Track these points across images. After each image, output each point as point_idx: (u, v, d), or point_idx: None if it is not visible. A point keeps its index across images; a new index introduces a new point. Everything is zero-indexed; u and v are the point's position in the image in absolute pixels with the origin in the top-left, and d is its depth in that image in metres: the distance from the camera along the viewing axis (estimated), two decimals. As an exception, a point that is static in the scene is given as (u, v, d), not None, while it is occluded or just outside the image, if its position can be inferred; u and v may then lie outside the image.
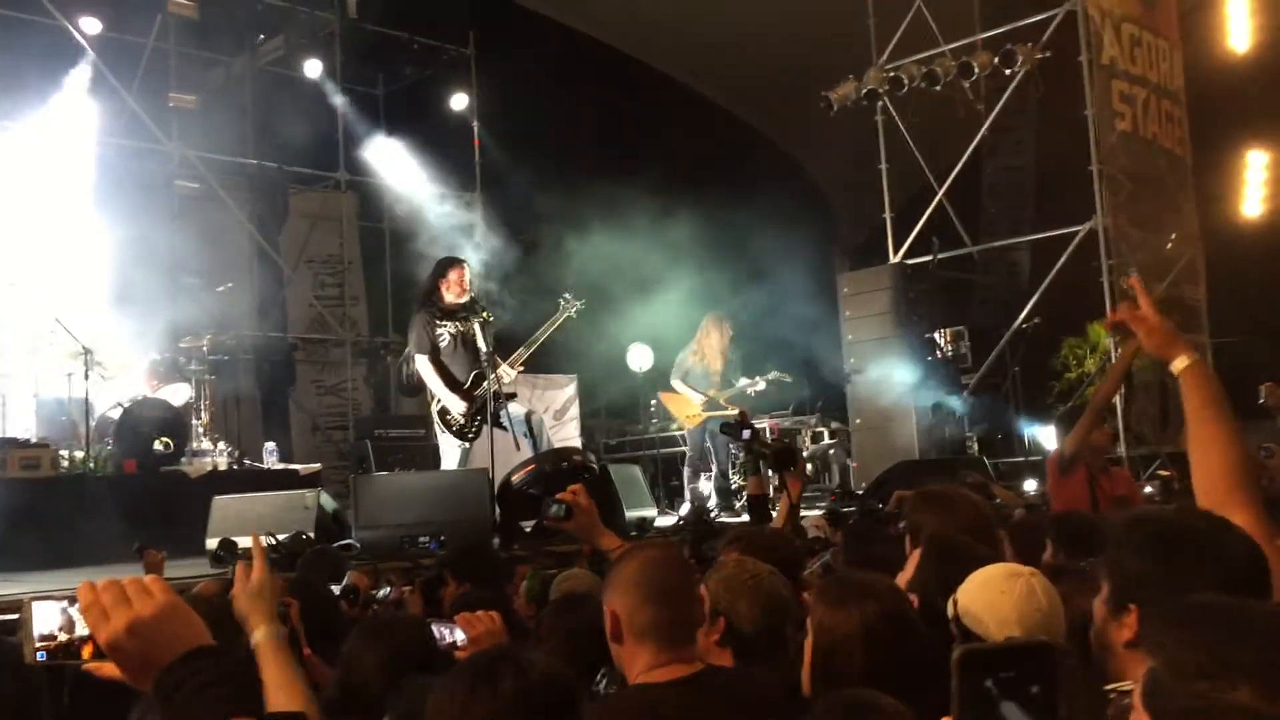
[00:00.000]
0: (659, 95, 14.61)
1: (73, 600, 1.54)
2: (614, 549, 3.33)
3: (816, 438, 11.14)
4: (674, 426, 11.26)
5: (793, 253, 12.59)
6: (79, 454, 8.40)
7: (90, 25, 10.74)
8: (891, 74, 11.55)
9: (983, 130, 11.59)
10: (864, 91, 11.60)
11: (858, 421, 11.37)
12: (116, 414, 8.69)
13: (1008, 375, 11.71)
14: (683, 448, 10.86)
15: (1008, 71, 11.21)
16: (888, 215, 12.19)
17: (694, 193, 12.69)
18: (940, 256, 11.48)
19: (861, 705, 1.95)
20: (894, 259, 11.93)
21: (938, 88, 11.38)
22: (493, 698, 1.82)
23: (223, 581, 3.58)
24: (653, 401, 11.46)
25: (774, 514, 5.23)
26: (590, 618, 2.62)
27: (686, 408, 9.50)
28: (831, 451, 11.01)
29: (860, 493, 9.42)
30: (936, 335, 11.56)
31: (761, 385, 9.59)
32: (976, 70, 11.19)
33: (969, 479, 6.66)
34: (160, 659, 1.40)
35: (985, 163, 13.57)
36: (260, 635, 1.95)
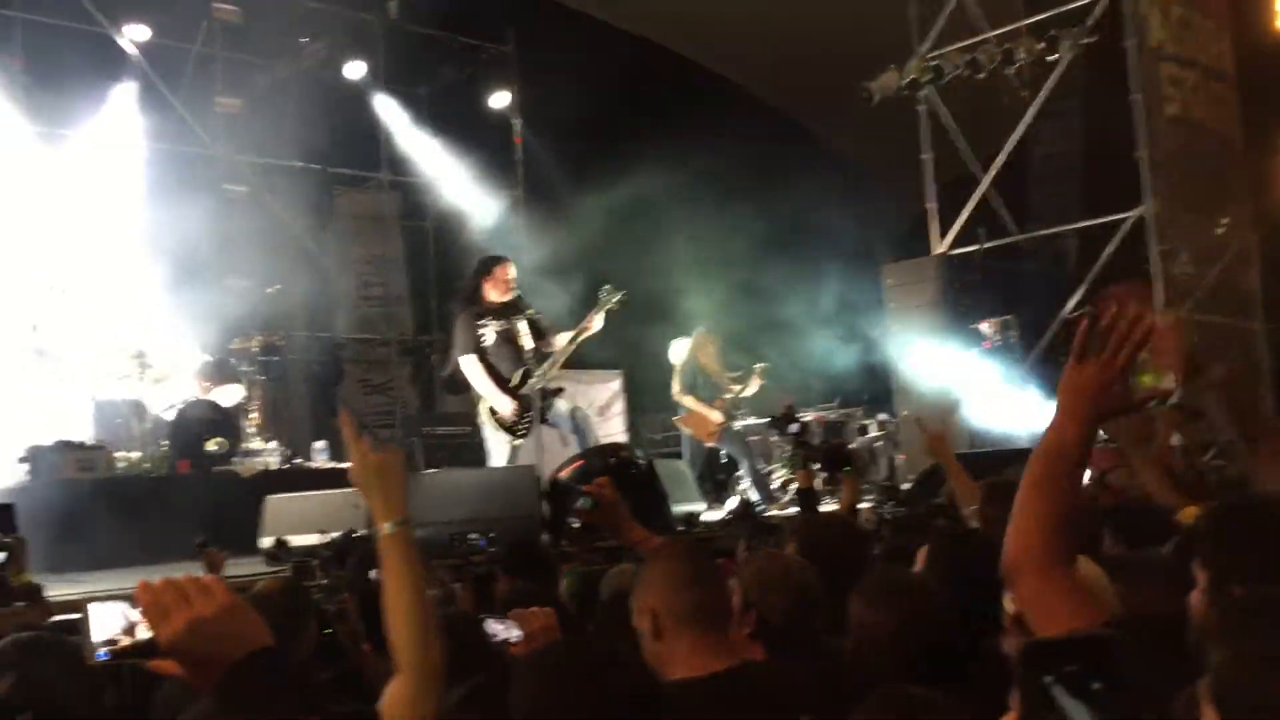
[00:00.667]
0: (698, 88, 14.57)
1: (133, 601, 1.54)
2: (641, 542, 3.34)
3: (863, 430, 11.08)
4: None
5: (836, 244, 12.52)
6: (134, 455, 8.54)
7: (138, 33, 10.90)
8: (934, 63, 11.43)
9: (1028, 117, 11.44)
10: (906, 81, 11.50)
11: (904, 414, 11.28)
12: (170, 415, 8.82)
13: (1056, 365, 11.57)
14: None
15: (1052, 57, 11.05)
16: (931, 205, 12.07)
17: (736, 186, 12.65)
18: (985, 246, 11.37)
19: (904, 700, 1.95)
20: (938, 249, 11.82)
21: (981, 75, 11.25)
22: (584, 690, 1.84)
23: (283, 580, 3.63)
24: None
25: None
26: None
27: (706, 424, 9.42)
28: (879, 445, 10.93)
29: (908, 486, 9.34)
30: (983, 325, 11.43)
31: (757, 385, 9.59)
32: (1021, 57, 11.05)
33: (1018, 473, 6.58)
34: (221, 659, 1.40)
35: (1031, 150, 13.39)
36: (386, 529, 1.96)
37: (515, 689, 1.94)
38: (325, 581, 4.20)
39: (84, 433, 8.60)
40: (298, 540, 6.27)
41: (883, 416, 11.53)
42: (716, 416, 9.30)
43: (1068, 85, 11.93)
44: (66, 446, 7.99)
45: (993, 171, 11.65)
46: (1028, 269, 13.17)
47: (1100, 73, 11.37)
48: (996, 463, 7.56)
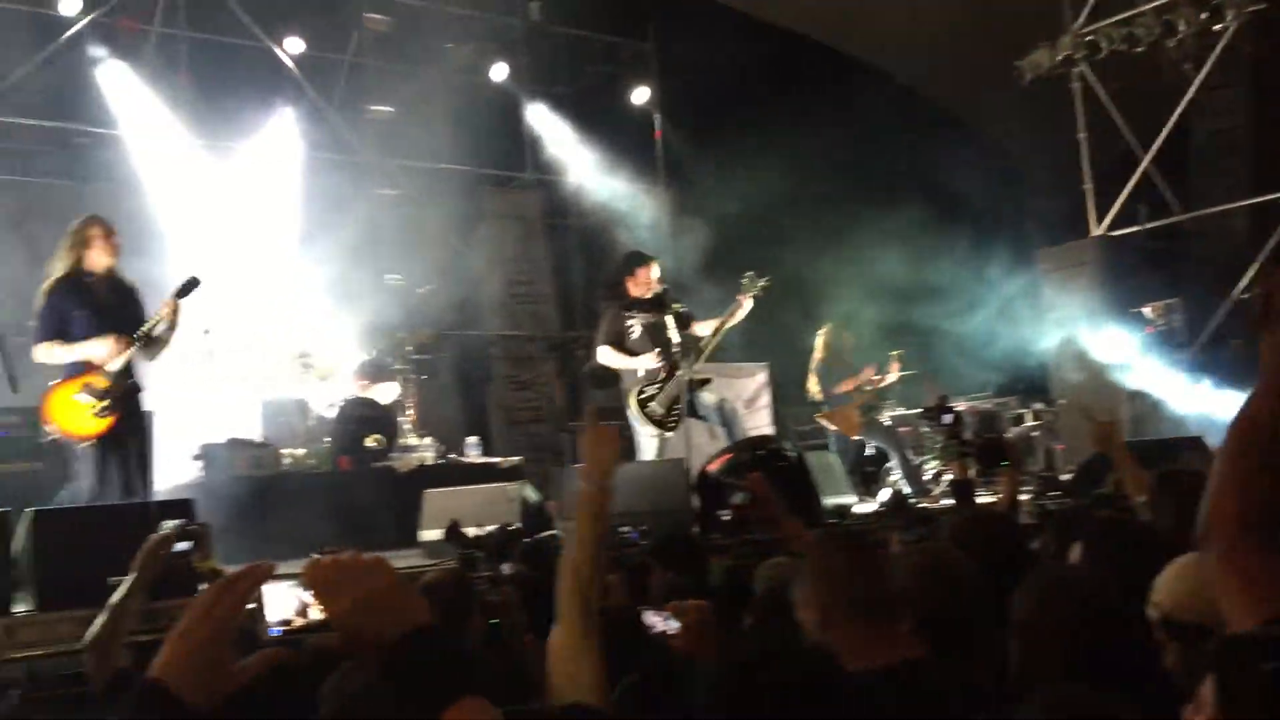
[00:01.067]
0: (839, 75, 14.36)
1: (303, 582, 1.59)
2: (796, 535, 3.30)
3: (1018, 420, 10.75)
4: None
5: (986, 229, 12.19)
6: (299, 452, 8.89)
7: (294, 45, 11.34)
8: (1088, 38, 11.00)
9: (1190, 91, 10.91)
10: (1059, 58, 11.09)
11: (1062, 402, 10.89)
12: (332, 413, 9.16)
13: (1226, 349, 11.00)
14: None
15: (1216, 28, 10.51)
16: (1088, 186, 11.62)
17: (881, 174, 12.45)
18: (1147, 226, 10.89)
19: (1071, 700, 1.88)
20: (1096, 231, 11.37)
21: (1139, 49, 10.78)
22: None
23: (449, 571, 3.72)
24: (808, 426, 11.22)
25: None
26: None
27: (849, 419, 9.25)
28: (1035, 435, 10.59)
29: (1069, 476, 9.02)
30: (1146, 309, 10.96)
31: (896, 374, 9.38)
32: (1182, 28, 10.54)
33: (1190, 461, 6.28)
34: (385, 635, 1.43)
35: (1193, 125, 12.77)
36: (586, 486, 2.32)
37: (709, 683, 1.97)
38: (489, 573, 4.29)
39: (253, 431, 9.01)
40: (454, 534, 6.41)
41: (1039, 405, 11.16)
42: (857, 414, 9.14)
43: (1233, 56, 11.33)
44: (238, 444, 8.39)
45: (1154, 149, 11.14)
46: (1193, 250, 12.58)
47: (1269, 42, 10.75)
48: (1165, 451, 7.24)
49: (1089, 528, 3.05)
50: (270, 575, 1.62)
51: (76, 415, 5.78)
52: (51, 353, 5.79)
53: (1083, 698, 1.88)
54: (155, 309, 6.02)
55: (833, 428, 9.33)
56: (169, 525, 3.44)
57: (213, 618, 1.51)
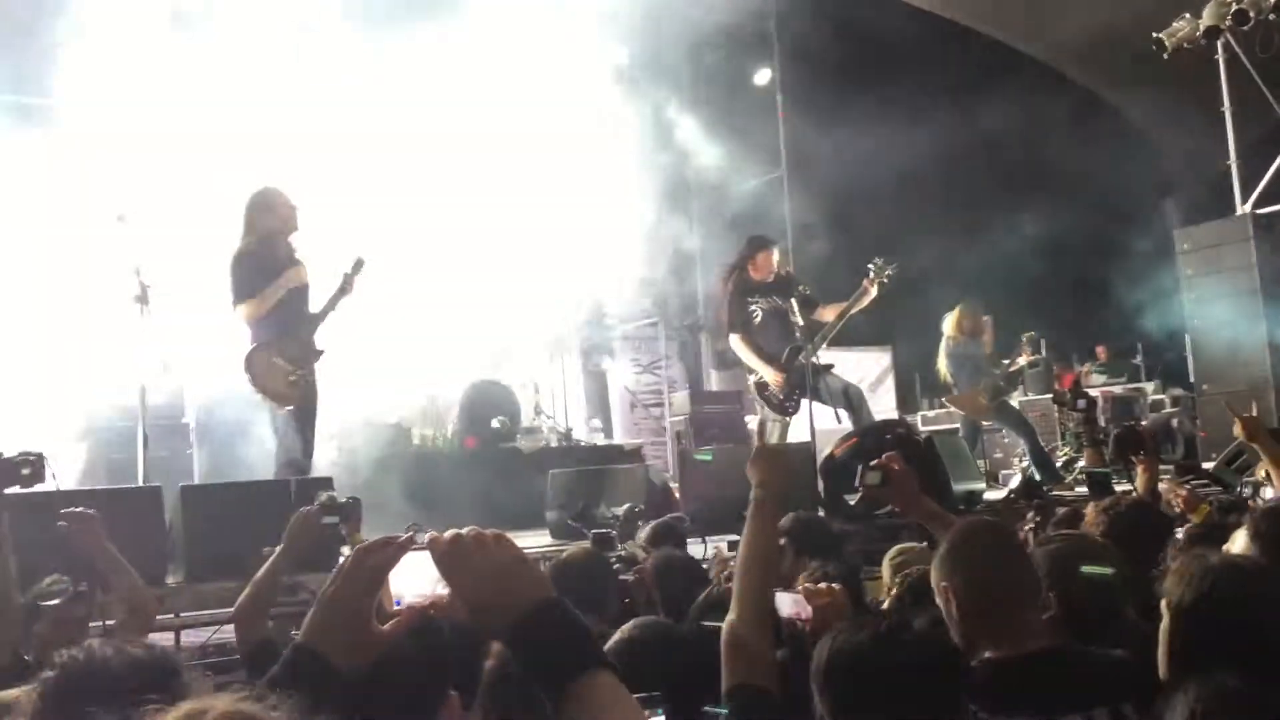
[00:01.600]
0: (967, 54, 14.00)
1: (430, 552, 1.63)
2: (933, 517, 3.25)
3: (1156, 406, 10.38)
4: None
5: (1120, 209, 11.78)
6: (429, 432, 9.11)
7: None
8: (1235, 7, 10.48)
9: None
10: (1203, 29, 10.59)
11: (1205, 388, 10.45)
12: (459, 395, 9.35)
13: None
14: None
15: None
16: (1234, 162, 11.08)
17: (1009, 154, 12.12)
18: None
19: (1221, 691, 1.82)
20: (1243, 209, 10.86)
21: (1291, 17, 10.23)
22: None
23: (585, 550, 3.77)
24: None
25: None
26: None
27: (977, 403, 9.03)
28: (1175, 422, 10.20)
29: (1210, 465, 8.67)
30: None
31: (1026, 358, 9.12)
32: (1337, -7, 9.98)
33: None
34: (509, 607, 1.45)
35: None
36: (755, 494, 2.52)
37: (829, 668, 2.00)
38: (623, 552, 4.33)
39: (384, 412, 9.24)
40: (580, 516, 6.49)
41: (1177, 391, 10.75)
42: (986, 396, 8.93)
43: (1395, 21, 10.68)
44: (373, 426, 8.62)
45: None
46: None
47: None
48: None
49: (1258, 516, 2.95)
50: (410, 548, 1.66)
51: (275, 377, 6.14)
52: (263, 300, 6.16)
53: (1231, 690, 1.82)
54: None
55: (967, 410, 9.14)
56: (323, 497, 3.55)
57: (357, 582, 1.56)
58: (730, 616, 2.27)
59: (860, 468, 3.46)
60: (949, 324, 9.19)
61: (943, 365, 9.14)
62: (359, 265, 6.29)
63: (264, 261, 6.22)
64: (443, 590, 1.58)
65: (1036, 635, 2.39)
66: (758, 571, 2.34)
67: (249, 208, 6.37)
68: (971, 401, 9.03)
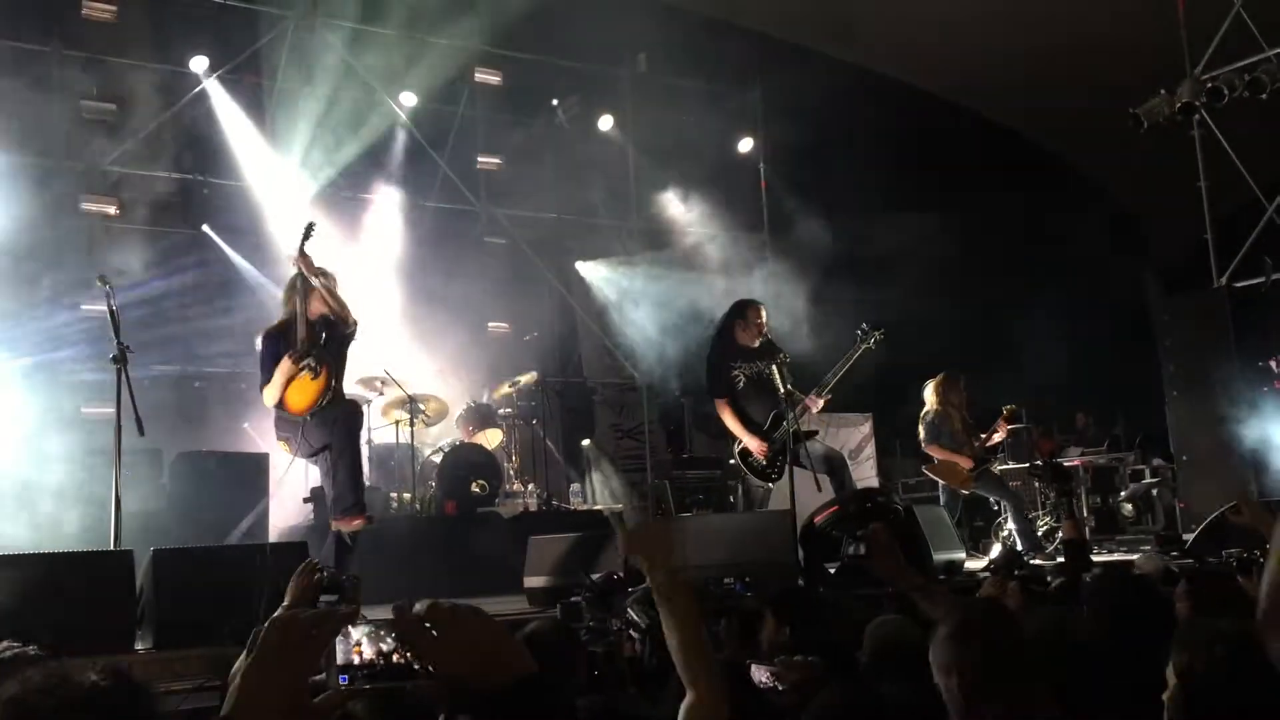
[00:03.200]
0: (950, 125, 14.22)
1: (391, 625, 1.58)
2: (919, 589, 3.23)
3: (1136, 476, 10.38)
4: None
5: (1100, 280, 11.90)
6: (406, 496, 9.01)
7: (408, 99, 11.66)
8: (1210, 85, 10.69)
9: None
10: (1179, 105, 10.79)
11: (1184, 458, 10.48)
12: (438, 458, 9.27)
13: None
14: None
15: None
16: (1209, 236, 11.24)
17: (990, 222, 12.25)
18: (1274, 277, 10.48)
19: None
20: (1219, 282, 10.99)
21: (1263, 96, 10.44)
22: None
23: (552, 621, 3.70)
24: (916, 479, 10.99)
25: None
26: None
27: (958, 472, 9.04)
28: (1155, 491, 10.21)
29: (1191, 537, 8.67)
30: (1273, 364, 10.52)
31: (1003, 432, 9.15)
32: (1309, 73, 10.20)
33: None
34: (487, 683, 1.42)
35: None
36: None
37: None
38: (592, 624, 4.26)
39: (364, 475, 9.15)
40: (558, 581, 6.41)
41: (1157, 461, 10.77)
42: (966, 463, 8.93)
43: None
44: (348, 488, 8.50)
45: (1280, 198, 10.76)
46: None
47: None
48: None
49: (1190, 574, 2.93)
50: (350, 621, 1.61)
51: (300, 387, 6.48)
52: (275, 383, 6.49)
53: None
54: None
55: (944, 479, 9.11)
56: (326, 573, 3.44)
57: (285, 659, 1.50)
58: (685, 702, 2.19)
59: (844, 539, 3.43)
60: (929, 393, 9.20)
61: (922, 436, 9.14)
62: (306, 232, 6.62)
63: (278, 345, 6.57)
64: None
65: (1035, 709, 2.38)
66: (689, 656, 2.21)
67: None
68: (952, 470, 9.01)
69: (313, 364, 6.49)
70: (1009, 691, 2.34)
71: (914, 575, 3.21)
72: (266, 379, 6.56)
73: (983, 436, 9.05)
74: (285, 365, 6.47)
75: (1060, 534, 8.56)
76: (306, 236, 6.64)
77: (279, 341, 6.60)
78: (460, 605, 1.54)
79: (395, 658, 1.56)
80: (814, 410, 7.48)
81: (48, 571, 4.79)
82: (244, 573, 5.03)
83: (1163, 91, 10.92)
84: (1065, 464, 9.41)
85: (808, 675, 3.06)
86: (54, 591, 4.70)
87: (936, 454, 9.05)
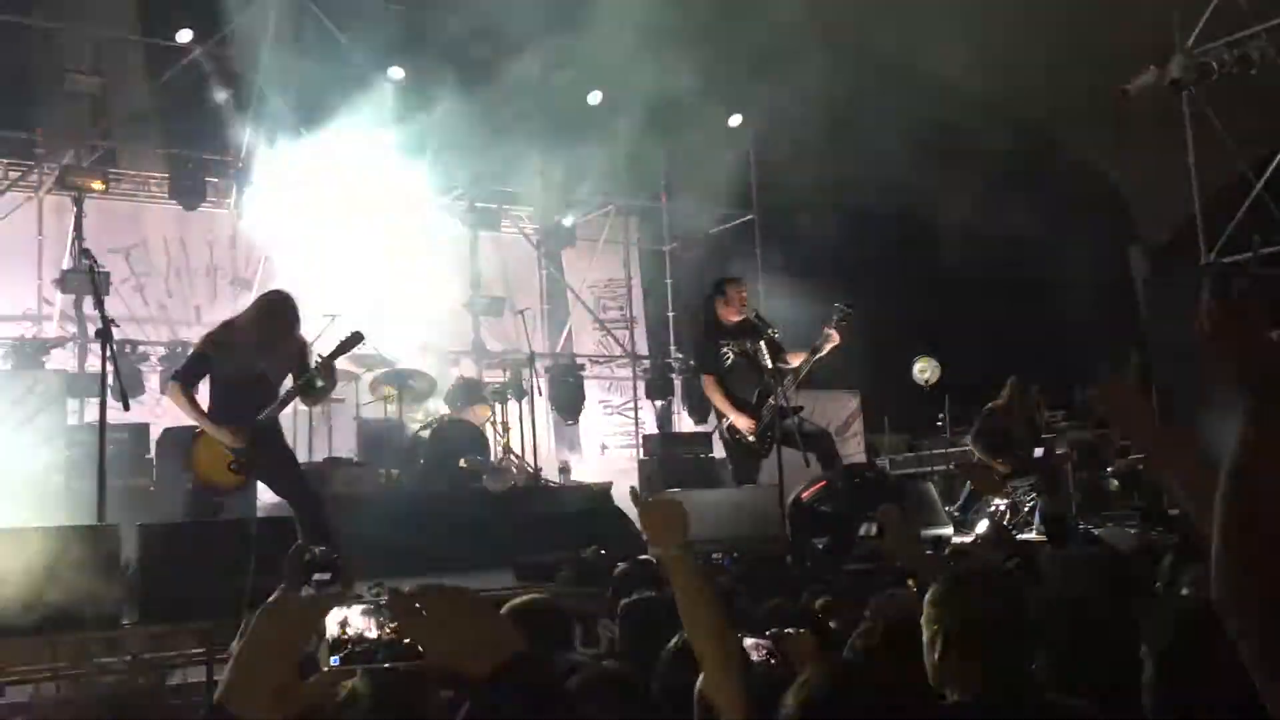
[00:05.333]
0: (935, 101, 14.17)
1: (387, 607, 1.58)
2: (922, 561, 3.24)
3: (1123, 452, 10.42)
4: (964, 440, 10.89)
5: (1086, 257, 11.90)
6: (394, 472, 9.01)
7: (395, 73, 11.57)
8: (1199, 60, 10.67)
9: (1306, 113, 10.51)
10: (1168, 81, 10.76)
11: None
12: (426, 434, 9.26)
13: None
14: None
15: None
16: (1198, 212, 11.25)
17: (976, 199, 12.23)
18: (1262, 252, 10.50)
19: None
20: (1207, 258, 11.01)
21: (1253, 71, 10.42)
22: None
23: (538, 598, 3.71)
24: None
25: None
26: None
27: (990, 479, 8.99)
28: (1141, 468, 10.24)
29: (1176, 513, 8.72)
30: (1261, 340, 10.55)
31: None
32: (1297, 49, 10.18)
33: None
34: (478, 662, 1.42)
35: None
36: (668, 554, 2.26)
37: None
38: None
39: (351, 450, 9.16)
40: (546, 556, 6.43)
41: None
42: (1000, 468, 8.89)
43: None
44: (335, 463, 8.52)
45: (1268, 173, 10.76)
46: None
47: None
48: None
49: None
50: (336, 605, 1.60)
51: (213, 459, 6.00)
52: (182, 403, 6.02)
53: None
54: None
55: (984, 489, 9.09)
56: (317, 552, 3.42)
57: (273, 642, 1.50)
58: (700, 680, 2.19)
59: (857, 521, 3.47)
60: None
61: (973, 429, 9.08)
62: (350, 343, 6.12)
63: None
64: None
65: (1017, 680, 2.38)
66: (702, 633, 2.20)
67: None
68: (984, 474, 8.99)
69: (236, 466, 6.00)
70: (992, 658, 2.34)
71: (918, 549, 3.23)
72: (186, 381, 6.04)
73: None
74: (216, 429, 5.94)
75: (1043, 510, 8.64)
76: (349, 348, 6.14)
77: (217, 362, 6.07)
78: (449, 586, 1.54)
79: (387, 638, 1.57)
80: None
81: (34, 546, 4.78)
82: (231, 547, 5.03)
83: (1151, 66, 10.90)
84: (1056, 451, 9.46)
85: (801, 645, 3.06)
86: (41, 567, 4.69)
87: (976, 451, 9.03)
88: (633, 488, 2.81)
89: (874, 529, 3.21)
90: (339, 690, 2.20)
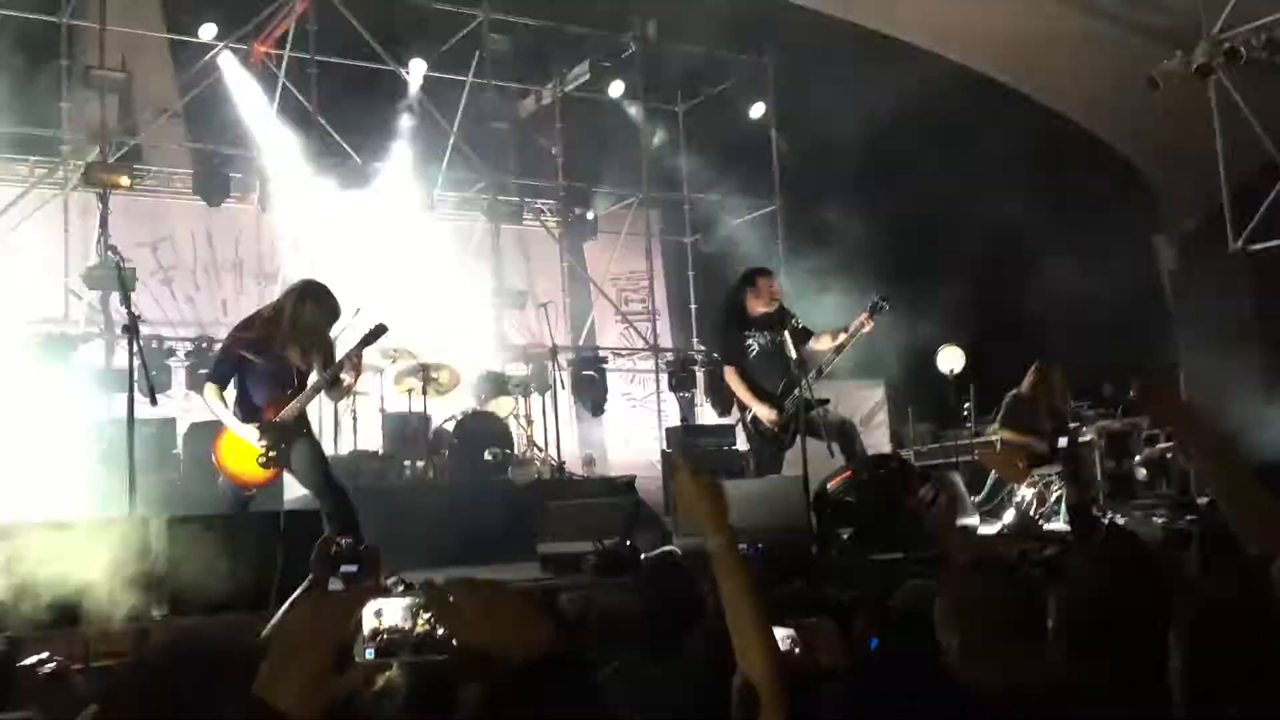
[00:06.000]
0: (959, 89, 14.07)
1: (423, 599, 1.59)
2: (958, 548, 3.23)
3: (1151, 440, 10.34)
4: (990, 430, 10.84)
5: (1111, 245, 11.81)
6: (419, 464, 9.04)
7: (417, 67, 11.60)
8: (1226, 45, 10.55)
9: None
10: (1195, 66, 10.64)
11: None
12: (451, 426, 9.29)
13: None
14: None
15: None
16: (1225, 199, 11.13)
17: (1000, 187, 12.15)
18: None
19: None
20: (1234, 245, 10.89)
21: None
22: None
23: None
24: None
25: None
26: None
27: (1013, 465, 8.88)
28: (1169, 456, 10.17)
29: (1206, 501, 8.64)
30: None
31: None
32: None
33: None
34: (512, 657, 1.43)
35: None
36: (713, 543, 2.19)
37: None
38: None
39: (376, 443, 9.20)
40: (572, 548, 6.43)
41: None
42: (1021, 456, 8.77)
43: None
44: (361, 457, 8.56)
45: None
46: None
47: None
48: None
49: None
50: (372, 597, 1.61)
51: (241, 454, 5.98)
52: (215, 404, 6.02)
53: None
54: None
55: (999, 469, 9.00)
56: (343, 544, 3.45)
57: (314, 634, 1.49)
58: (737, 679, 2.15)
59: (926, 484, 3.42)
60: (1028, 380, 8.95)
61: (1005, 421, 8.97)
62: (374, 335, 6.11)
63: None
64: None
65: (1039, 671, 2.37)
66: (741, 628, 2.15)
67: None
68: (1006, 461, 8.90)
69: (265, 462, 5.98)
70: (1008, 648, 2.32)
71: (956, 535, 3.21)
72: (220, 378, 6.06)
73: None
74: (242, 430, 5.95)
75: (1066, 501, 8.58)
76: (373, 340, 6.14)
77: (249, 357, 6.02)
78: (482, 579, 1.55)
79: (423, 631, 1.57)
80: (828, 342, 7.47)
81: (63, 539, 4.81)
82: (259, 541, 5.06)
83: (1178, 52, 10.79)
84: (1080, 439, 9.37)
85: (824, 636, 3.05)
86: (71, 560, 4.73)
87: (1005, 437, 8.93)
88: (666, 453, 2.74)
89: (932, 494, 3.14)
90: (376, 682, 2.21)
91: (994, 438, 9.16)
